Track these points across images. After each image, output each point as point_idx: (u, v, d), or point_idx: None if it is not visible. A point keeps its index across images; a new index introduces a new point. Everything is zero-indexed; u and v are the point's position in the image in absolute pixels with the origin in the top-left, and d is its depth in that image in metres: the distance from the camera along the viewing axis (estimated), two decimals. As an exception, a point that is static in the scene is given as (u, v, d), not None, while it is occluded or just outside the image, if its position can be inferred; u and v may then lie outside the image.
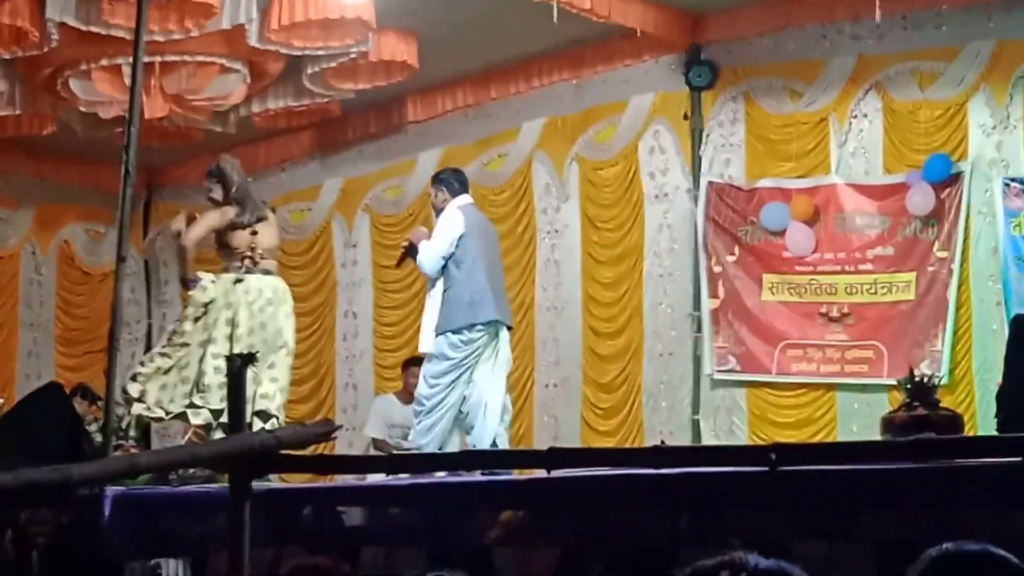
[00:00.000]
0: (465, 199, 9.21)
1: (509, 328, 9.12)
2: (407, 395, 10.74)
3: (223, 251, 9.22)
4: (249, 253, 9.05)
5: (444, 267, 8.88)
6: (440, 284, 8.90)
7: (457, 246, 8.86)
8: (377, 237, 13.97)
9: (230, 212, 9.17)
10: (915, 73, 11.08)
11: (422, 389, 8.97)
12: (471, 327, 8.79)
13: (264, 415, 8.64)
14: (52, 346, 14.67)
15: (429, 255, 8.90)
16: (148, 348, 15.28)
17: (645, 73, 12.19)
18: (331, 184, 14.31)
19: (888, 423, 6.59)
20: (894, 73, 11.15)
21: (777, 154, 11.65)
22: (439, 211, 9.13)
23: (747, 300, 11.58)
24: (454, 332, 8.78)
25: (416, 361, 10.30)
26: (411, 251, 9.17)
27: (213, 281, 8.99)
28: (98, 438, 9.17)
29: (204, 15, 10.11)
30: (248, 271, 9.01)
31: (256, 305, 8.92)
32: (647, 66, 12.14)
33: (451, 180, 9.27)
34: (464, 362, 8.79)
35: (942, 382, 9.46)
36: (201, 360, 8.76)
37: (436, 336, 8.84)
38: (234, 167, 9.40)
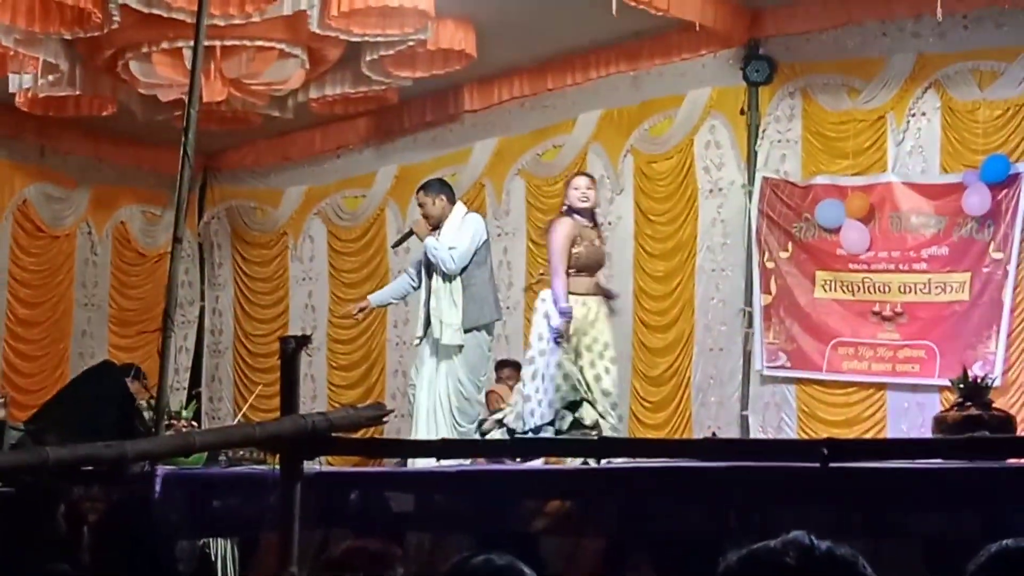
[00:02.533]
0: (462, 207, 9.70)
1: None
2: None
3: None
4: None
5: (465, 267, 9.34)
6: (457, 282, 9.28)
7: (476, 250, 9.34)
8: (431, 225, 13.98)
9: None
10: (975, 72, 11.01)
11: (472, 390, 9.38)
12: (494, 323, 9.62)
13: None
14: (106, 326, 14.77)
15: (461, 258, 9.27)
16: (200, 330, 15.43)
17: (703, 67, 12.16)
18: (386, 171, 14.35)
19: (940, 422, 6.57)
20: (953, 72, 11.08)
21: (833, 151, 11.60)
22: (435, 218, 9.44)
23: (799, 297, 11.54)
24: (485, 329, 9.41)
25: (507, 363, 11.82)
26: (409, 235, 9.89)
27: None
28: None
29: (266, 0, 10.16)
30: None
31: None
32: (705, 60, 12.12)
33: (447, 189, 9.71)
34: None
35: (995, 384, 9.42)
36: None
37: (464, 332, 9.25)
38: None
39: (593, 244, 8.82)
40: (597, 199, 9.06)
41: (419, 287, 9.59)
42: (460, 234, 9.31)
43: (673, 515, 6.26)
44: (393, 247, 10.69)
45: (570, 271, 8.66)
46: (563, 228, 8.71)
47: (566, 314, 8.50)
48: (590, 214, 8.90)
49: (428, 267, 9.42)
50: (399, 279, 10.20)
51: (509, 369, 11.93)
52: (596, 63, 12.59)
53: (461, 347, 9.26)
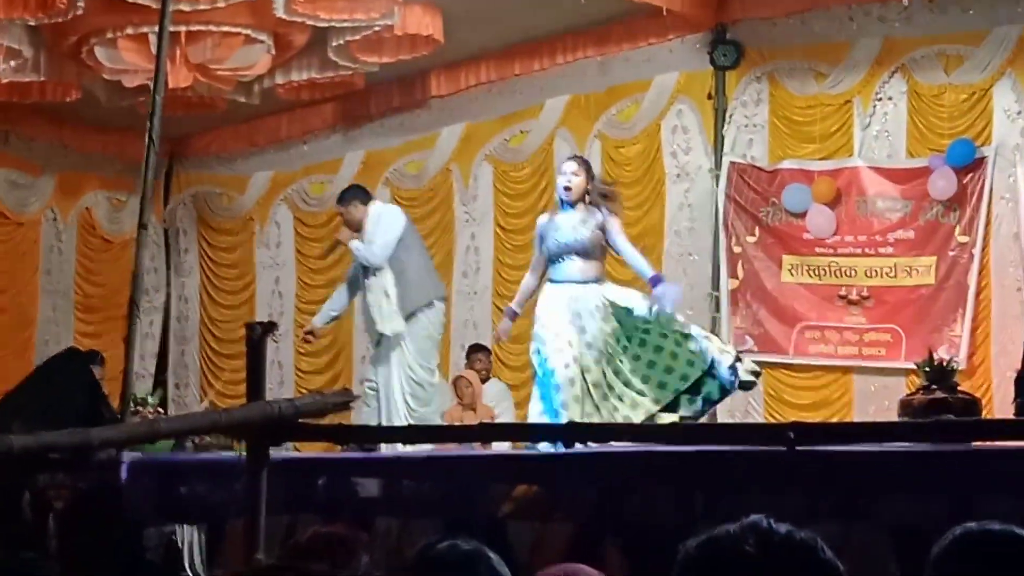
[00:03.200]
0: (378, 204, 10.01)
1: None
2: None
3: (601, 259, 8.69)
4: None
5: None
6: (387, 272, 9.51)
7: (401, 238, 9.60)
8: (398, 211, 13.95)
9: None
10: (941, 56, 11.04)
11: (422, 374, 9.49)
12: (440, 303, 9.76)
13: None
14: (71, 313, 14.68)
15: (384, 249, 9.50)
16: (166, 317, 15.37)
17: (670, 52, 12.15)
18: (352, 157, 14.29)
19: (906, 405, 6.60)
20: (920, 56, 11.11)
21: (800, 135, 11.62)
22: (356, 222, 9.73)
23: (766, 281, 11.57)
24: (428, 311, 9.59)
25: (478, 348, 11.80)
26: (336, 245, 10.19)
27: None
28: None
29: (230, -15, 10.12)
30: None
31: None
32: (672, 45, 12.11)
33: (360, 193, 10.05)
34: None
35: (960, 367, 9.46)
36: None
37: (406, 318, 9.44)
38: None
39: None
40: (583, 182, 8.55)
41: (357, 291, 9.81)
42: (377, 228, 9.58)
43: (641, 500, 6.27)
44: (322, 258, 10.78)
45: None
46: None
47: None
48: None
49: (364, 270, 9.68)
50: (335, 293, 10.36)
51: (480, 354, 11.92)
52: (563, 48, 12.56)
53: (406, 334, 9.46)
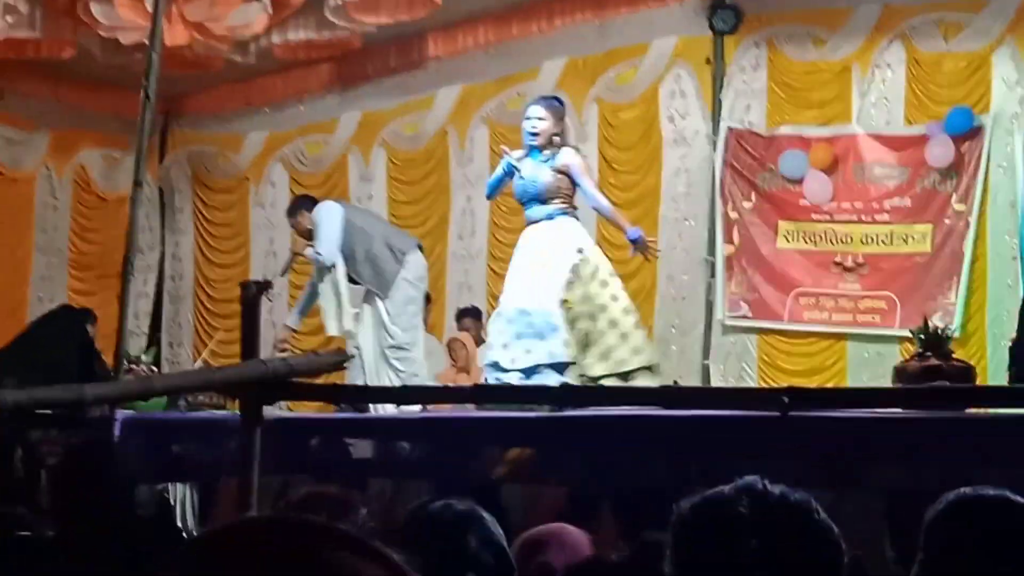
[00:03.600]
0: (319, 206, 10.07)
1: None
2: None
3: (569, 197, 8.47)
4: None
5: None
6: (339, 268, 9.64)
7: (343, 229, 9.68)
8: (393, 172, 13.94)
9: None
10: (940, 24, 11.01)
11: (404, 337, 9.51)
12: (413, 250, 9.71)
13: None
14: (65, 271, 14.66)
15: (329, 248, 9.60)
16: (160, 275, 15.35)
17: (668, 16, 12.10)
18: (349, 117, 14.26)
19: (900, 372, 6.58)
20: (919, 23, 11.08)
21: (798, 101, 11.60)
22: (307, 230, 9.86)
23: (762, 247, 11.56)
24: (403, 267, 9.57)
25: (468, 312, 11.82)
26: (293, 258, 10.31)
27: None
28: None
29: (227, -58, 10.07)
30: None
31: None
32: (670, 9, 12.06)
33: (306, 203, 10.19)
34: None
35: (955, 335, 9.46)
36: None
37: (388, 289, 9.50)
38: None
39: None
40: (551, 126, 8.39)
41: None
42: (319, 229, 9.69)
43: (634, 464, 6.27)
44: (282, 275, 10.85)
45: None
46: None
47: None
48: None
49: (318, 274, 9.88)
50: (302, 295, 10.47)
51: (467, 319, 11.91)
52: (561, 11, 12.52)
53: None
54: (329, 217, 9.79)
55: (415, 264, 9.69)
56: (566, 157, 8.30)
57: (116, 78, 13.07)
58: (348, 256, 9.73)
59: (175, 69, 12.14)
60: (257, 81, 14.43)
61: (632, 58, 12.38)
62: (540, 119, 8.38)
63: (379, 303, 9.50)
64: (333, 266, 9.66)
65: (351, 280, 9.91)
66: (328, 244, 9.66)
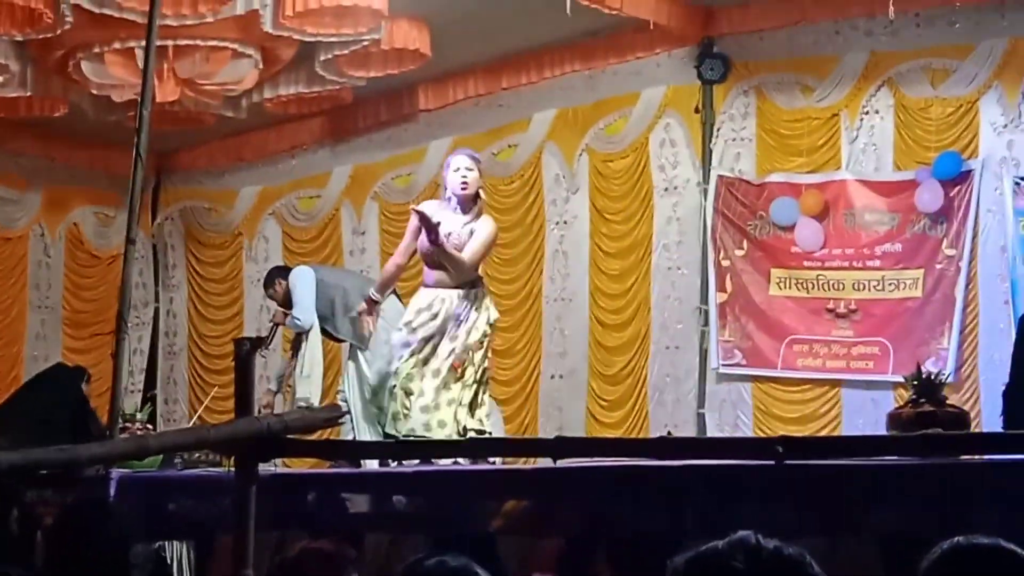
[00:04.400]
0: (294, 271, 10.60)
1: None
2: None
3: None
4: None
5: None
6: (312, 334, 10.15)
7: (317, 293, 10.11)
8: (386, 225, 13.95)
9: None
10: (927, 70, 11.07)
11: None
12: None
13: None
14: (60, 328, 14.66)
15: (304, 313, 10.08)
16: (155, 332, 15.34)
17: (657, 66, 12.16)
18: (341, 171, 14.29)
19: (895, 419, 6.59)
20: (906, 70, 11.13)
21: (788, 149, 11.64)
22: (283, 299, 10.47)
23: (755, 295, 11.57)
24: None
25: None
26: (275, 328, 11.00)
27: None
28: None
29: (219, 0, 10.11)
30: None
31: None
32: (659, 59, 12.12)
33: (280, 273, 10.86)
34: None
35: (948, 380, 9.46)
36: None
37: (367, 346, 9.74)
38: None
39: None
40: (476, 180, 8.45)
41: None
42: (294, 296, 10.20)
43: (630, 514, 6.26)
44: (266, 346, 11.03)
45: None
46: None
47: None
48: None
49: (296, 339, 10.42)
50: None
51: None
52: (551, 62, 12.57)
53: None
54: (302, 282, 10.19)
55: (391, 308, 9.59)
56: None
57: (108, 136, 13.12)
58: (326, 315, 9.95)
59: (167, 125, 12.20)
60: (249, 136, 14.48)
61: (622, 108, 12.43)
62: (469, 169, 8.37)
63: (361, 358, 9.64)
64: (310, 330, 10.05)
65: (332, 338, 10.11)
66: (304, 309, 10.06)
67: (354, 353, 9.93)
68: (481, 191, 8.54)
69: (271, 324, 11.13)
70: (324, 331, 10.25)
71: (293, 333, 10.58)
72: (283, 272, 10.86)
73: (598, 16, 11.02)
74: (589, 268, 12.58)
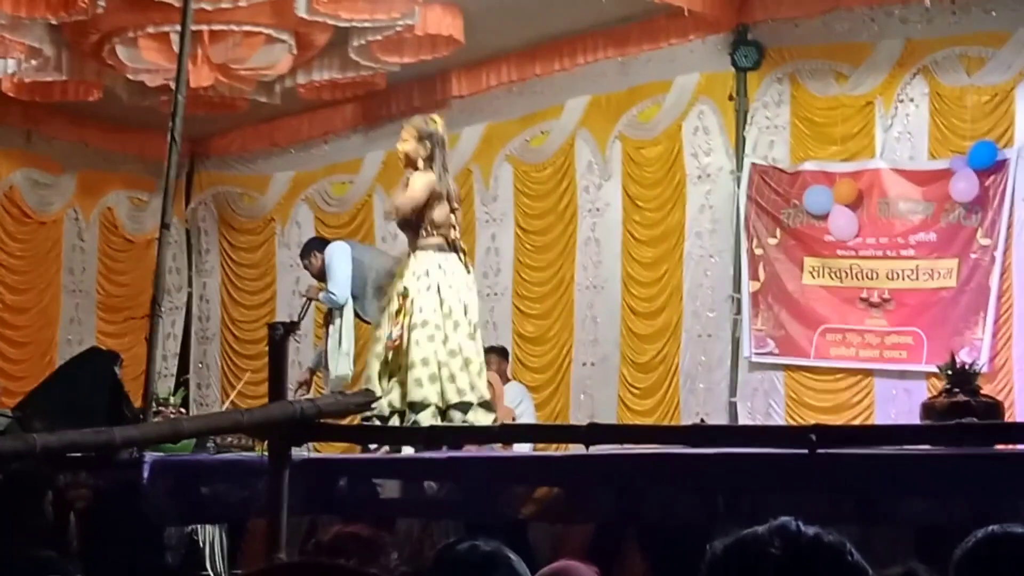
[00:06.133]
0: (329, 247, 10.68)
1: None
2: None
3: (419, 224, 8.45)
4: (451, 230, 8.50)
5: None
6: (346, 311, 10.27)
7: (353, 267, 10.27)
8: (418, 211, 13.94)
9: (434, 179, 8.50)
10: (963, 58, 11.01)
11: None
12: None
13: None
14: (94, 312, 14.73)
15: (340, 288, 10.22)
16: (188, 316, 15.40)
17: (691, 53, 12.13)
18: (373, 157, 14.31)
19: (928, 408, 6.58)
20: (941, 58, 11.07)
21: (822, 137, 11.59)
22: (318, 271, 10.62)
23: (787, 283, 11.54)
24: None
25: (494, 350, 11.47)
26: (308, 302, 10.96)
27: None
28: None
29: (252, -15, 10.14)
30: (453, 249, 8.49)
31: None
32: (693, 46, 12.08)
33: (317, 244, 10.99)
34: None
35: (982, 370, 9.43)
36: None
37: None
38: (441, 128, 8.72)
39: None
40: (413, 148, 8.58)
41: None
42: (330, 271, 10.33)
43: (662, 501, 6.26)
44: (300, 319, 11.03)
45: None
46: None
47: None
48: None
49: (328, 316, 10.50)
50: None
51: (492, 356, 11.92)
52: (584, 49, 12.55)
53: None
54: (339, 257, 10.28)
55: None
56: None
57: (142, 120, 13.17)
58: (357, 294, 9.95)
59: (200, 111, 12.23)
60: (282, 122, 14.51)
61: (655, 95, 12.40)
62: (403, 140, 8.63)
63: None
64: (344, 306, 10.10)
65: (361, 319, 10.11)
66: (340, 284, 10.16)
67: None
68: (420, 151, 8.55)
69: (304, 299, 11.16)
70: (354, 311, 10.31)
71: (326, 308, 10.60)
72: (321, 244, 10.91)
73: (631, 2, 11.03)
74: (621, 256, 12.56)
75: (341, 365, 10.11)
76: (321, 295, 10.47)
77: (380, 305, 9.44)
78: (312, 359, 11.16)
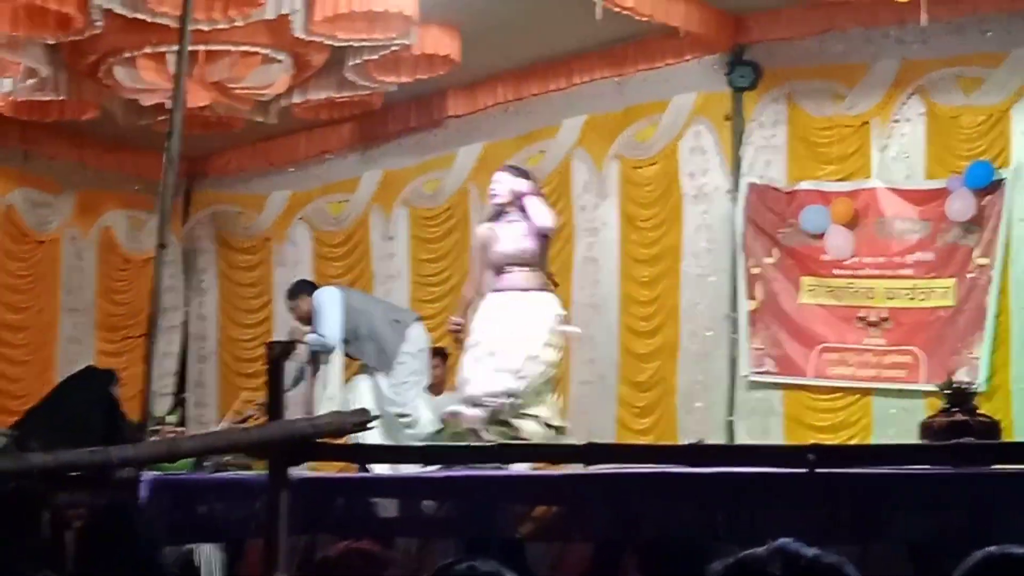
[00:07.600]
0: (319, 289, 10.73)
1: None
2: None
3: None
4: None
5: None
6: (335, 354, 10.27)
7: (343, 312, 10.26)
8: (415, 230, 13.97)
9: None
10: (959, 78, 11.02)
11: (407, 408, 10.23)
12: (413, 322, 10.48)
13: None
14: (92, 331, 14.72)
15: (331, 331, 10.20)
16: (185, 335, 15.38)
17: (687, 73, 12.15)
18: (370, 176, 14.31)
19: (926, 428, 6.59)
20: (937, 78, 11.08)
21: (818, 157, 11.60)
22: (307, 314, 10.50)
23: (785, 303, 11.54)
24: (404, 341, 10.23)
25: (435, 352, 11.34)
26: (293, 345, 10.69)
27: None
28: None
29: (249, 5, 10.13)
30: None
31: None
32: (689, 66, 12.11)
33: (306, 287, 10.93)
34: None
35: (980, 390, 9.43)
36: None
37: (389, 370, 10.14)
38: None
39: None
40: (506, 192, 9.16)
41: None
42: (320, 316, 10.30)
43: (660, 521, 6.26)
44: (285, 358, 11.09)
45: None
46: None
47: None
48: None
49: (312, 359, 10.43)
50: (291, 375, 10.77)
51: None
52: (580, 68, 12.58)
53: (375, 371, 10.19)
54: (328, 303, 10.31)
55: (416, 337, 10.25)
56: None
57: (139, 140, 13.18)
58: (350, 338, 9.97)
59: (197, 130, 12.24)
60: (279, 141, 14.52)
61: (651, 115, 12.40)
62: (496, 182, 9.18)
63: (377, 375, 9.82)
64: (332, 350, 10.15)
65: (349, 357, 10.22)
66: (331, 327, 10.15)
67: (368, 368, 10.21)
68: (524, 187, 9.14)
69: (293, 342, 10.86)
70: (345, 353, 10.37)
71: (308, 353, 10.54)
72: (309, 288, 10.87)
73: (628, 23, 11.01)
74: (619, 275, 12.56)
75: (325, 410, 10.18)
76: (310, 338, 10.38)
77: (377, 347, 9.73)
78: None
